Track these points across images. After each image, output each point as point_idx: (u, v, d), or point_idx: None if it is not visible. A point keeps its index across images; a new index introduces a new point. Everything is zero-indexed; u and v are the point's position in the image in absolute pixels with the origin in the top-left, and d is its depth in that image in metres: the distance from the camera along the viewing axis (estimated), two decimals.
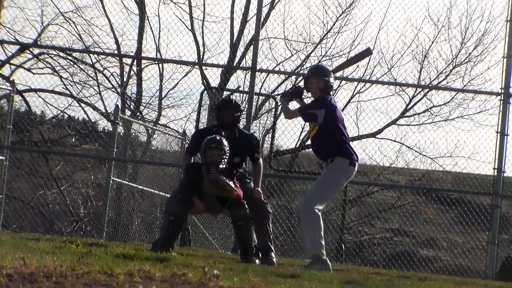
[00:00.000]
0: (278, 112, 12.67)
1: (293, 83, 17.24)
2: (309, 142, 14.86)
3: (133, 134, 14.79)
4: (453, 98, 16.09)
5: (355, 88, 17.26)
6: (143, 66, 17.61)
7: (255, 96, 11.31)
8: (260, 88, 16.22)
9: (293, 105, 7.59)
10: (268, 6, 17.20)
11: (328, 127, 7.24)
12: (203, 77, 16.93)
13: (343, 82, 15.12)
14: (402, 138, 17.12)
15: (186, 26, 17.53)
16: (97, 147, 18.47)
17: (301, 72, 16.34)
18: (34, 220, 16.66)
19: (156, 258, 6.29)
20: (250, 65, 11.21)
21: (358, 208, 19.83)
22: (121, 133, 13.03)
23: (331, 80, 7.45)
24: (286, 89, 7.78)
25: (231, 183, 7.44)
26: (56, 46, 16.64)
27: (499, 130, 10.95)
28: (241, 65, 17.41)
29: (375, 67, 16.93)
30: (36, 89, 16.36)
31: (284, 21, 18.01)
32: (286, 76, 17.00)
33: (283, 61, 17.09)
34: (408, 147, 16.52)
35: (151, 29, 18.10)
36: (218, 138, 7.60)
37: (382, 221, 21.61)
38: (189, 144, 8.38)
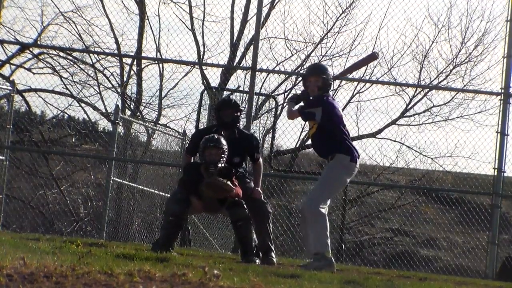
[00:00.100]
0: (279, 112, 12.69)
1: (293, 83, 17.27)
2: (309, 142, 14.89)
3: (133, 134, 14.79)
4: (453, 98, 16.11)
5: (355, 88, 17.28)
6: (143, 66, 17.61)
7: (255, 96, 11.31)
8: (260, 88, 16.24)
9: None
10: (268, 6, 17.21)
11: (327, 125, 7.25)
12: (203, 77, 16.93)
13: (343, 82, 15.14)
14: (402, 138, 17.14)
15: (186, 26, 17.55)
16: (97, 147, 18.47)
17: (301, 72, 16.33)
18: (34, 220, 16.66)
19: (156, 258, 6.29)
20: (250, 65, 11.21)
21: (358, 208, 19.83)
22: (121, 133, 13.03)
23: (330, 78, 7.46)
24: (295, 93, 7.77)
25: (228, 182, 7.43)
26: (56, 46, 16.64)
27: (499, 130, 10.95)
28: (241, 65, 17.41)
29: (375, 67, 16.92)
30: (36, 89, 16.37)
31: (284, 21, 18.01)
32: (286, 76, 17.01)
33: (283, 61, 17.10)
34: (408, 147, 16.53)
35: (151, 29, 18.14)
36: (216, 137, 7.60)
37: (382, 221, 21.61)
38: (189, 144, 8.39)
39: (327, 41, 17.24)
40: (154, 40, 17.65)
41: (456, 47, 17.02)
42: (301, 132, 16.55)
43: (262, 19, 12.19)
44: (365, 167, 17.75)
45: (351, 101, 17.24)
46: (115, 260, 5.70)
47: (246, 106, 10.92)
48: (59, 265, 4.31)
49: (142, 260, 5.97)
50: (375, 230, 21.71)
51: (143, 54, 17.42)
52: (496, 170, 10.89)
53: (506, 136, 10.90)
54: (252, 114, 11.11)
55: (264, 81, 16.22)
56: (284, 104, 16.67)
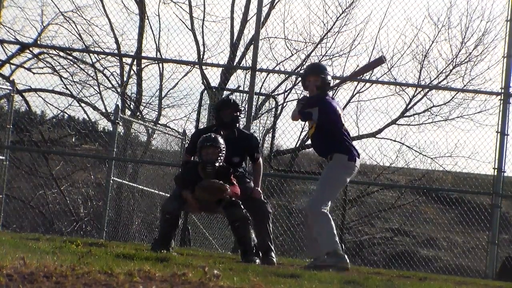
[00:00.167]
0: (279, 112, 12.68)
1: (293, 83, 17.26)
2: (309, 142, 14.88)
3: (133, 134, 14.79)
4: (453, 98, 16.11)
5: (355, 88, 17.28)
6: (143, 65, 17.61)
7: (255, 96, 11.31)
8: (260, 88, 16.23)
9: None
10: (268, 6, 17.21)
11: (325, 125, 7.25)
12: (203, 76, 16.93)
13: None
14: (402, 138, 17.13)
15: (186, 26, 17.55)
16: (97, 147, 18.47)
17: (301, 72, 16.32)
18: (34, 220, 16.66)
19: (156, 258, 6.29)
20: (250, 65, 11.21)
21: (358, 208, 19.83)
22: (121, 133, 13.02)
23: (328, 77, 7.45)
24: (306, 96, 7.76)
25: (221, 182, 7.42)
26: (56, 46, 16.64)
27: (499, 130, 10.95)
28: (241, 65, 17.41)
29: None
30: (36, 89, 16.37)
31: (284, 20, 18.03)
32: (286, 76, 17.00)
33: (283, 60, 17.10)
34: (408, 147, 16.53)
35: (151, 28, 18.12)
36: (213, 136, 7.60)
37: (382, 221, 21.61)
38: (189, 144, 8.40)
39: (327, 41, 17.26)
40: (154, 40, 17.67)
41: (456, 47, 17.04)
42: (301, 132, 16.57)
43: (262, 19, 12.19)
44: (365, 167, 17.75)
45: (351, 101, 17.26)
46: (115, 260, 5.70)
47: (246, 106, 10.92)
48: (59, 265, 4.31)
49: (142, 260, 5.97)
50: (375, 230, 21.71)
51: (143, 54, 17.42)
52: (496, 170, 10.89)
53: (506, 136, 10.90)
54: (252, 114, 11.11)
55: (264, 81, 16.23)
56: (284, 104, 16.71)
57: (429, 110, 16.96)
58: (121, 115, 13.17)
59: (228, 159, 7.71)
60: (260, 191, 8.01)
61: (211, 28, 23.39)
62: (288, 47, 17.00)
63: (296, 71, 16.57)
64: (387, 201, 20.34)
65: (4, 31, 15.15)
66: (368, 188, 18.64)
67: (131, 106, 17.82)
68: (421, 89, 16.83)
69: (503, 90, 11.06)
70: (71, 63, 16.94)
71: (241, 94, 13.17)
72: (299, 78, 16.31)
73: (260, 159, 8.23)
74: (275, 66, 16.65)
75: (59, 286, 3.83)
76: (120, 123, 12.27)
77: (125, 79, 17.86)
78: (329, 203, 7.23)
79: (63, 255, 5.38)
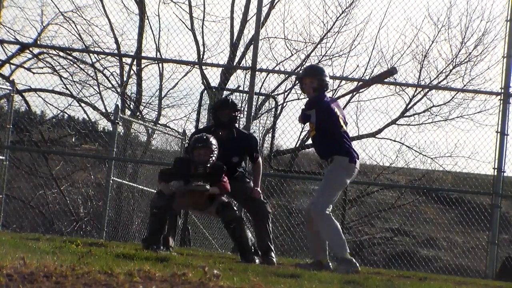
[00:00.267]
0: (279, 112, 12.68)
1: (293, 83, 17.25)
2: (309, 142, 14.88)
3: (133, 134, 14.79)
4: (453, 98, 16.11)
5: (355, 88, 17.23)
6: (143, 65, 17.60)
7: (255, 96, 11.30)
8: (260, 88, 16.22)
9: None
10: (268, 6, 17.21)
11: (323, 127, 7.25)
12: (203, 76, 16.93)
13: (343, 82, 15.14)
14: (402, 138, 17.12)
15: (186, 26, 17.54)
16: (97, 147, 18.46)
17: (301, 71, 16.32)
18: (34, 220, 16.65)
19: (156, 258, 6.29)
20: (250, 65, 11.20)
21: (358, 208, 19.82)
22: (121, 133, 13.02)
23: (326, 79, 7.43)
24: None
25: (201, 182, 7.41)
26: (56, 46, 16.64)
27: (499, 130, 10.95)
28: (241, 65, 17.40)
29: (375, 67, 16.94)
30: (36, 88, 16.36)
31: (284, 20, 18.02)
32: (286, 76, 16.99)
33: (283, 60, 17.10)
34: (408, 147, 16.53)
35: (151, 28, 18.11)
36: (204, 137, 7.60)
37: (382, 221, 21.61)
38: (188, 144, 8.39)
39: (327, 41, 17.25)
40: (154, 40, 17.67)
41: (456, 47, 17.03)
42: (301, 132, 16.56)
43: (262, 19, 12.19)
44: (365, 167, 17.75)
45: (351, 101, 17.25)
46: (115, 260, 5.70)
47: (246, 106, 10.92)
48: (59, 265, 4.31)
49: (142, 260, 5.97)
50: (375, 230, 21.71)
51: (143, 54, 17.42)
52: (496, 170, 10.88)
53: (506, 136, 10.90)
54: (252, 114, 11.10)
55: (264, 81, 16.22)
56: (284, 104, 16.70)
57: (429, 110, 16.97)
58: (121, 115, 13.18)
59: (227, 159, 7.71)
60: (260, 191, 8.01)
61: (211, 28, 23.38)
62: (288, 47, 17.02)
63: (296, 71, 16.56)
64: (387, 201, 20.34)
65: (4, 31, 15.17)
66: (368, 188, 18.63)
67: (131, 106, 17.82)
68: (421, 89, 16.83)
69: (503, 90, 11.06)
70: (71, 63, 16.95)
71: (241, 94, 13.16)
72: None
73: (260, 159, 8.23)
74: (275, 66, 16.67)
75: (59, 286, 3.83)
76: (120, 123, 12.27)
77: (125, 79, 17.86)
78: (331, 206, 7.26)
79: (63, 255, 5.38)
